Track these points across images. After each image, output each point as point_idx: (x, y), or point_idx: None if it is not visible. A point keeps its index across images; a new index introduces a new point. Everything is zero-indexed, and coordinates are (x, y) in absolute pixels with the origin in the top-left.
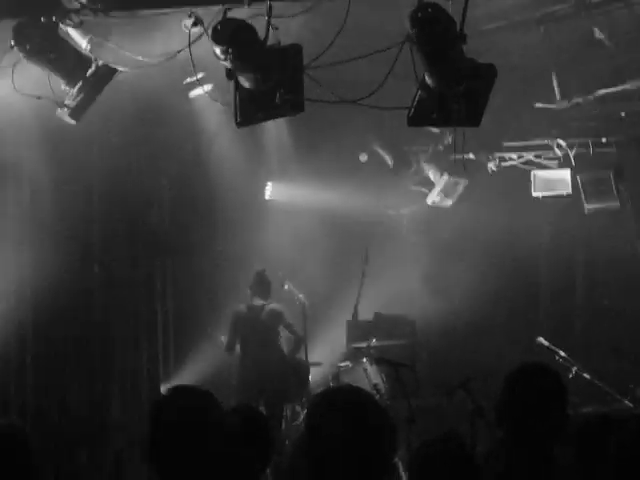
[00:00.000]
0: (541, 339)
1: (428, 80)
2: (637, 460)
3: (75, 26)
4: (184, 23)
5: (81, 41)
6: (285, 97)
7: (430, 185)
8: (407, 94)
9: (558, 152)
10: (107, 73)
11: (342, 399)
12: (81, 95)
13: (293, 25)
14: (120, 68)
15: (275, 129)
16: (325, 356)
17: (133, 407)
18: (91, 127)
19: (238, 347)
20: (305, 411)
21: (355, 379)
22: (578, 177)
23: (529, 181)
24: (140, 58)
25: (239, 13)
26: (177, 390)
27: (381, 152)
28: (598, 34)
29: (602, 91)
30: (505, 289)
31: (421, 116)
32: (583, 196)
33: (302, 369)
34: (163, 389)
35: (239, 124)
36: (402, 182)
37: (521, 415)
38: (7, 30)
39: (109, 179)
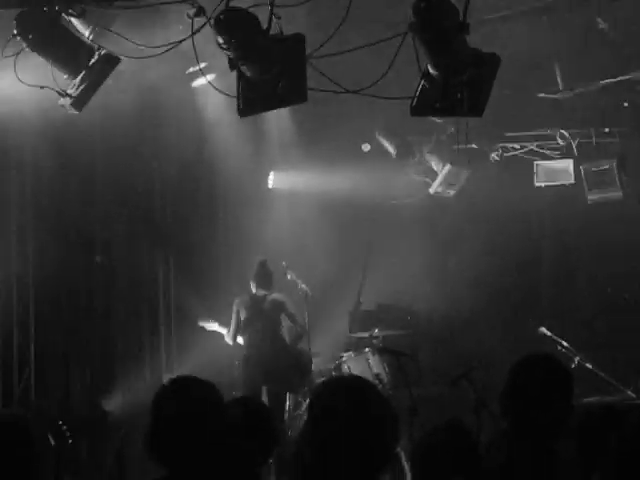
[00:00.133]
0: (543, 329)
1: (431, 70)
2: (639, 453)
3: (78, 16)
4: (187, 13)
5: (84, 30)
6: (288, 87)
7: (433, 175)
8: (410, 84)
9: (561, 142)
10: (110, 62)
11: (344, 389)
12: (84, 85)
13: (297, 14)
14: (123, 57)
15: (278, 119)
16: (327, 346)
17: (135, 399)
18: (93, 118)
19: (240, 338)
20: (307, 401)
21: (357, 369)
22: (581, 167)
23: (532, 171)
24: (143, 47)
25: (242, 2)
26: (179, 381)
27: (384, 142)
28: (601, 24)
29: (605, 81)
30: (507, 279)
31: (424, 106)
32: (586, 186)
33: (304, 359)
34: (165, 379)
35: (242, 114)
36: (405, 172)
37: (525, 406)
38: (10, 20)
39: (111, 170)
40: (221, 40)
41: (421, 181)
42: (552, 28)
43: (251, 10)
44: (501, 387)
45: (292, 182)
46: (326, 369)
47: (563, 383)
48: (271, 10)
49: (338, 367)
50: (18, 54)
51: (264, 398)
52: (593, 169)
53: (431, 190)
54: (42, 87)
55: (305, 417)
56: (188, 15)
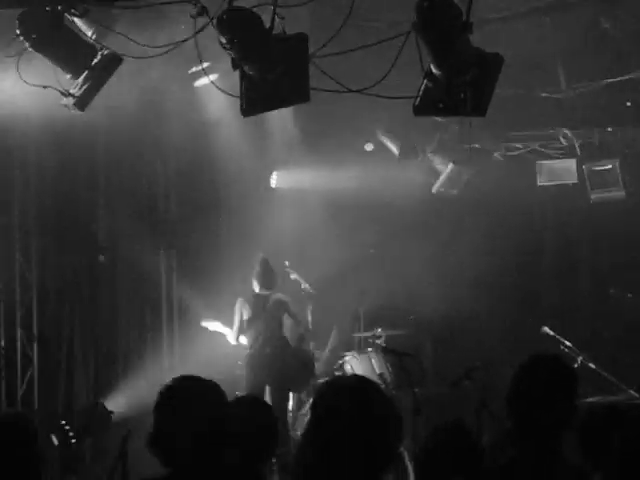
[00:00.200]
0: (546, 328)
1: (434, 69)
2: None
3: (80, 15)
4: (189, 12)
5: (87, 30)
6: (290, 86)
7: (436, 174)
8: (413, 84)
9: (564, 141)
10: (113, 62)
11: (348, 388)
12: (87, 84)
13: (300, 14)
14: (125, 57)
15: (280, 118)
16: (330, 346)
17: (138, 399)
18: (96, 118)
19: (243, 337)
20: (311, 401)
21: (360, 368)
22: (583, 167)
23: (535, 170)
24: (146, 47)
25: (244, 2)
26: (183, 380)
27: (386, 141)
28: (604, 23)
29: (608, 80)
30: (509, 278)
31: (427, 105)
32: (588, 185)
33: (307, 359)
34: (168, 379)
35: (244, 113)
36: (407, 171)
37: (529, 407)
38: (12, 20)
39: (114, 169)
40: (224, 40)
41: (424, 181)
42: (554, 28)
43: (254, 10)
44: (504, 387)
45: (295, 181)
46: (329, 369)
47: (567, 384)
48: (274, 10)
49: (341, 367)
50: (21, 54)
51: (267, 397)
52: (596, 169)
53: (434, 189)
54: (45, 87)
55: (308, 417)
56: (191, 15)
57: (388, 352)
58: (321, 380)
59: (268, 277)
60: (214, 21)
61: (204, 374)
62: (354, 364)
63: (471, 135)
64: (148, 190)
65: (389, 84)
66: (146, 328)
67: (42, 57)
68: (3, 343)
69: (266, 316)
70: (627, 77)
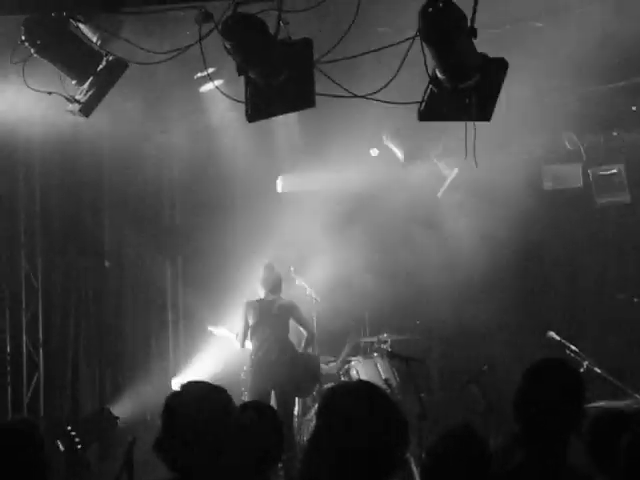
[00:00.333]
0: (552, 333)
1: (439, 74)
2: None
3: (85, 21)
4: (195, 18)
5: (92, 36)
6: (296, 92)
7: (441, 179)
8: (418, 88)
9: (569, 146)
10: (118, 68)
11: (353, 394)
12: (92, 90)
13: (306, 19)
14: (131, 63)
15: (286, 123)
16: (336, 350)
17: (143, 404)
18: (101, 124)
19: (249, 342)
20: (316, 406)
21: (366, 374)
22: (589, 171)
23: (540, 175)
24: (151, 53)
25: (249, 8)
26: (190, 385)
27: (392, 146)
28: (609, 27)
29: (613, 84)
30: (516, 283)
31: (432, 110)
32: (594, 190)
33: (313, 364)
34: (174, 384)
35: (250, 118)
36: (413, 176)
37: (537, 412)
38: (17, 25)
39: (119, 175)
40: (229, 45)
41: (429, 185)
42: (559, 32)
43: (259, 15)
44: (510, 391)
45: (300, 186)
46: (335, 374)
47: (574, 389)
48: (279, 15)
49: (347, 372)
50: (26, 60)
51: (272, 402)
52: (601, 173)
53: (439, 194)
54: (50, 93)
55: (314, 422)
56: (196, 20)
57: (394, 357)
58: (327, 385)
59: (273, 282)
60: (219, 27)
61: (209, 379)
62: (360, 369)
63: (476, 140)
64: (153, 196)
65: (395, 89)
66: (151, 333)
67: (47, 63)
68: (9, 349)
69: (272, 321)
70: (632, 81)
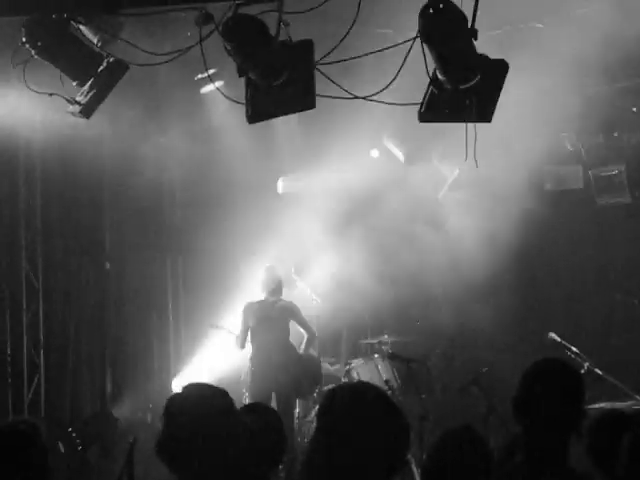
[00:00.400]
0: (553, 334)
1: (439, 76)
2: None
3: (86, 23)
4: (195, 19)
5: (92, 38)
6: (296, 93)
7: (442, 180)
8: (418, 90)
9: (570, 147)
10: (118, 69)
11: (354, 395)
12: (93, 92)
13: (306, 21)
14: (131, 64)
15: (286, 125)
16: (337, 352)
17: (144, 406)
18: (100, 126)
19: (249, 344)
20: (317, 407)
21: (367, 375)
22: (590, 172)
23: (541, 176)
24: (151, 54)
25: (250, 9)
26: (191, 387)
27: (392, 147)
28: (610, 28)
29: (613, 86)
30: (516, 284)
31: (432, 112)
32: (594, 191)
33: (314, 365)
34: (175, 385)
35: (250, 120)
36: (414, 177)
37: (537, 412)
38: (18, 27)
39: (120, 176)
40: (229, 47)
41: (430, 186)
42: (561, 33)
43: (259, 17)
44: (511, 392)
45: (301, 187)
46: (335, 375)
47: (574, 389)
48: (279, 17)
49: (347, 373)
50: (27, 62)
51: (273, 404)
52: (602, 174)
53: (440, 195)
54: (51, 94)
55: (314, 423)
56: (196, 22)
57: (394, 358)
58: (327, 387)
59: (274, 284)
60: (220, 28)
61: (210, 380)
62: (360, 370)
63: (476, 141)
64: (154, 196)
65: (395, 90)
66: (152, 334)
67: (48, 65)
68: (10, 350)
69: (272, 323)
70: (634, 82)
